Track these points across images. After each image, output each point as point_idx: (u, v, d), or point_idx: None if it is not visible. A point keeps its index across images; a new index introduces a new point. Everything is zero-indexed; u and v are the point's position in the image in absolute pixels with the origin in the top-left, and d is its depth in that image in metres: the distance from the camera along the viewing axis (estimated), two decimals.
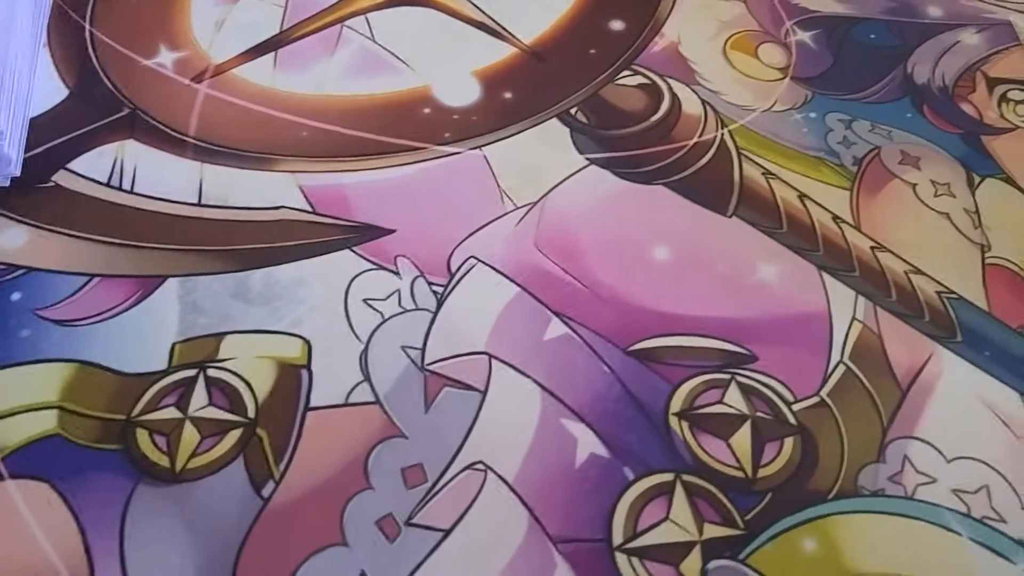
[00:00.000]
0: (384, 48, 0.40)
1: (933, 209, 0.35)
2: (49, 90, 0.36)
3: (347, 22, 0.40)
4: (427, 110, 0.37)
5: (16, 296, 0.30)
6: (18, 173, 0.33)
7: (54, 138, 0.35)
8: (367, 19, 0.41)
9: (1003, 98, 0.39)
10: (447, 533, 0.26)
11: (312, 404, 0.29)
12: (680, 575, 0.26)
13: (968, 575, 0.27)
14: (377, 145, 0.36)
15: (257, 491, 0.27)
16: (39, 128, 0.35)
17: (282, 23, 0.40)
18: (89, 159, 0.34)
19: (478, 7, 0.41)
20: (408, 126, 0.36)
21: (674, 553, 0.27)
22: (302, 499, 0.27)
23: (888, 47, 0.41)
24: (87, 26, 0.39)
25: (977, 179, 0.36)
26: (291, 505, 0.27)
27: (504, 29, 0.41)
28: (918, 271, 0.34)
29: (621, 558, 0.27)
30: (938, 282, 0.33)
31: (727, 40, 0.41)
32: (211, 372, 0.29)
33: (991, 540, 0.27)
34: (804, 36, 0.41)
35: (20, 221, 0.32)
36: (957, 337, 0.32)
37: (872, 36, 0.41)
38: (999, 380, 0.31)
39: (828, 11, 0.42)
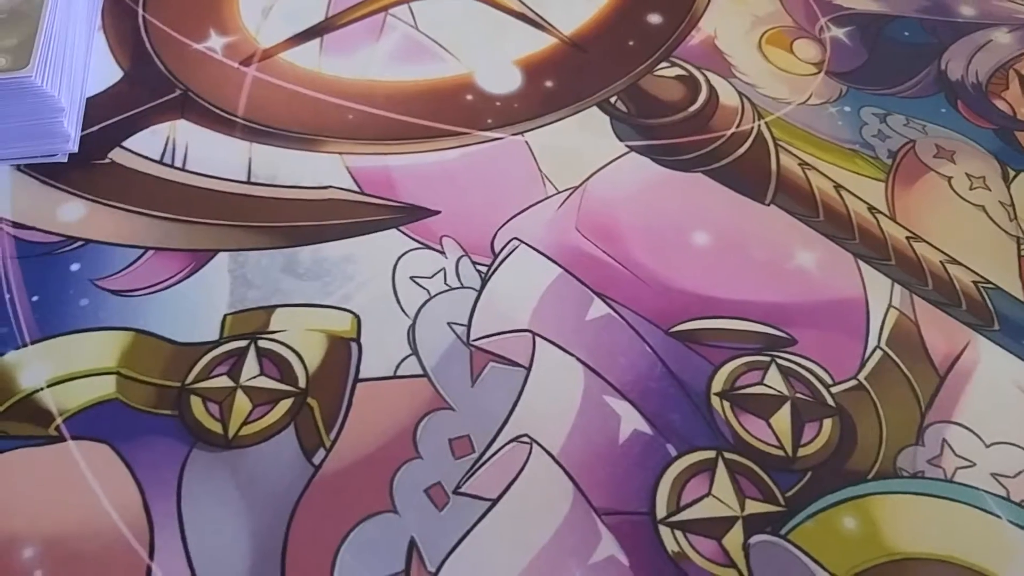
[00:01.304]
0: (427, 36, 0.40)
1: (968, 202, 0.36)
2: (104, 72, 0.37)
3: (391, 10, 0.41)
4: (470, 96, 0.38)
5: (75, 267, 0.31)
6: (75, 149, 0.34)
7: (109, 117, 0.36)
8: (410, 8, 0.41)
9: None
10: (494, 502, 0.27)
11: (362, 376, 0.29)
12: (723, 549, 0.27)
13: (1007, 556, 0.27)
14: (422, 129, 0.36)
15: (308, 458, 0.28)
16: (95, 108, 0.36)
17: (327, 10, 0.41)
18: (143, 137, 0.35)
19: None
20: (451, 112, 0.37)
21: (717, 527, 0.27)
22: (352, 467, 0.27)
23: (922, 44, 0.41)
24: (140, 11, 0.40)
25: (1012, 173, 0.37)
26: (342, 472, 0.27)
27: (544, 20, 0.41)
28: (954, 261, 0.34)
29: (665, 531, 0.27)
30: (975, 272, 0.34)
31: (762, 35, 0.42)
32: (262, 343, 0.30)
33: None
34: (838, 32, 0.42)
35: (78, 195, 0.33)
36: (995, 326, 0.32)
37: (906, 34, 0.42)
38: None
39: (862, 8, 0.43)
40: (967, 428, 0.30)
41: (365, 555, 0.26)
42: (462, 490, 0.27)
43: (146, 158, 0.35)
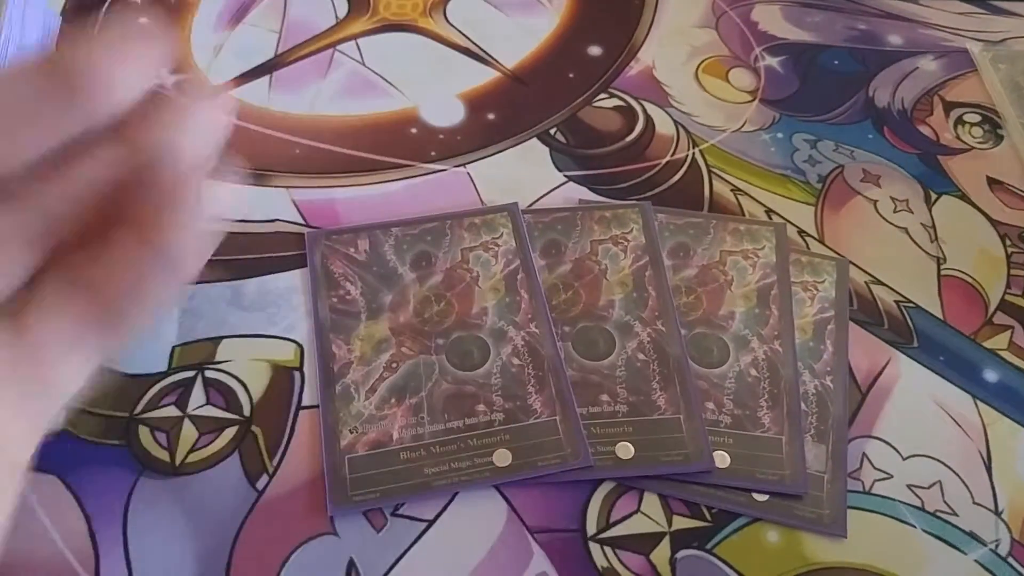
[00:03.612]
0: (374, 72, 0.42)
1: (893, 224, 0.38)
2: None
3: (339, 47, 0.43)
4: (414, 130, 0.39)
5: None
6: None
7: None
8: (358, 44, 0.43)
9: (959, 121, 0.41)
10: (431, 523, 0.28)
11: (304, 403, 0.30)
12: (650, 564, 0.28)
13: (920, 565, 0.29)
14: (366, 162, 0.38)
15: (252, 483, 0.29)
16: None
17: (277, 48, 0.42)
18: None
19: (463, 33, 0.44)
20: (396, 145, 0.38)
21: (645, 543, 0.28)
22: (294, 491, 0.28)
23: (851, 72, 0.43)
24: None
25: (934, 196, 0.38)
26: (284, 497, 0.28)
27: (487, 54, 0.43)
28: (878, 282, 0.36)
29: (595, 547, 0.28)
30: (897, 292, 0.35)
31: (699, 65, 0.43)
32: (209, 373, 0.31)
33: (943, 532, 0.29)
34: (772, 61, 0.44)
35: None
36: (914, 343, 0.34)
37: (836, 62, 0.44)
38: (952, 383, 0.33)
39: (795, 38, 0.45)
40: (886, 442, 0.31)
41: (308, 572, 0.27)
42: (400, 512, 0.28)
43: None
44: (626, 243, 0.34)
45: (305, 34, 0.43)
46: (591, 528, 0.28)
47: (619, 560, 0.28)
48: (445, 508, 0.28)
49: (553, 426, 0.29)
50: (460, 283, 0.33)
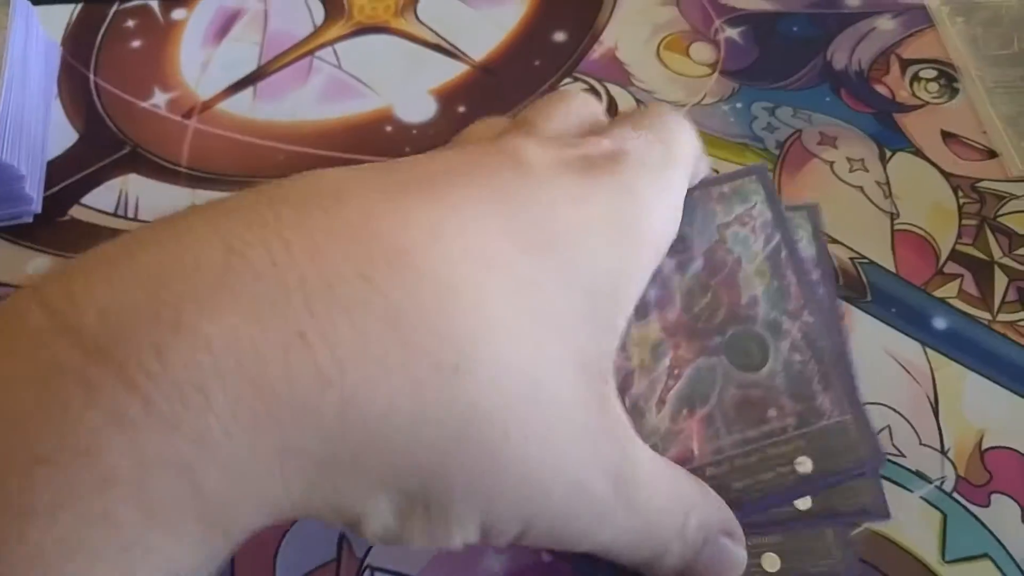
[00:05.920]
0: (350, 75, 0.44)
1: (848, 184, 0.39)
2: (62, 136, 0.42)
3: (317, 53, 0.45)
4: (389, 128, 0.42)
5: None
6: (39, 210, 0.38)
7: (68, 177, 0.40)
8: (334, 49, 0.45)
9: (915, 77, 0.42)
10: None
11: None
12: None
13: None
14: (346, 163, 0.40)
15: None
16: (55, 169, 0.40)
17: (259, 59, 0.45)
18: (99, 193, 0.40)
19: (433, 31, 0.46)
20: (373, 144, 0.41)
21: None
22: None
23: (810, 38, 0.45)
24: (91, 76, 0.44)
25: (888, 153, 0.40)
26: None
27: (457, 49, 0.45)
28: (834, 240, 0.37)
29: None
30: (852, 249, 0.37)
31: (661, 42, 0.45)
32: None
33: (891, 473, 0.31)
34: (732, 33, 0.45)
35: (44, 251, 0.38)
36: (867, 297, 0.36)
37: (795, 28, 0.45)
38: (903, 333, 0.34)
39: (754, 8, 0.46)
40: None
41: (302, 548, 0.30)
42: None
43: (102, 212, 0.39)
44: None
45: (285, 44, 0.46)
46: None
47: None
48: None
49: (844, 427, 0.27)
50: (723, 268, 0.28)
